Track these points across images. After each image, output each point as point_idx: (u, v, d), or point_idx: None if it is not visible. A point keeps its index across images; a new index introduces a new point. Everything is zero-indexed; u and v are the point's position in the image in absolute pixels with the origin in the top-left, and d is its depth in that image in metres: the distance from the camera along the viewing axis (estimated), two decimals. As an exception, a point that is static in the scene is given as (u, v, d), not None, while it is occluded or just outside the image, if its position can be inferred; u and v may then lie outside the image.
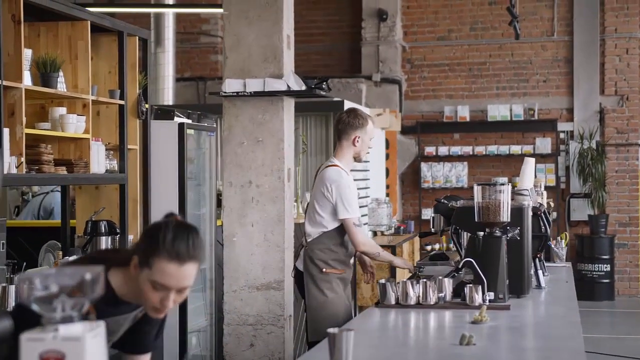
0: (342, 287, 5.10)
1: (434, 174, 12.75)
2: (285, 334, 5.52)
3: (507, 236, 4.42)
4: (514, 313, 4.08)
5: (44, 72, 4.76)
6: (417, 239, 10.86)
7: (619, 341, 9.63)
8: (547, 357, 3.24)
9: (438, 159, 12.80)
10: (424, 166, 12.77)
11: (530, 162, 5.55)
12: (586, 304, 11.87)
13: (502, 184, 4.39)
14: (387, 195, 11.99)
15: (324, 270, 5.02)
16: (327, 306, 5.01)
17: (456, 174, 12.68)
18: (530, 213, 4.68)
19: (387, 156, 12.26)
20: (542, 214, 5.04)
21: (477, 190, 4.38)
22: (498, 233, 4.37)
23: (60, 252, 5.40)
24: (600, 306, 11.85)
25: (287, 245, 5.52)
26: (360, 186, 9.82)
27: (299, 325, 7.11)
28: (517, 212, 4.51)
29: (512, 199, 4.99)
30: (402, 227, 10.43)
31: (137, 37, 5.83)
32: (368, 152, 5.25)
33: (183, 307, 6.20)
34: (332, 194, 4.96)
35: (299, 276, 5.18)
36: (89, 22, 5.13)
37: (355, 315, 5.65)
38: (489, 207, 4.34)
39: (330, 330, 2.73)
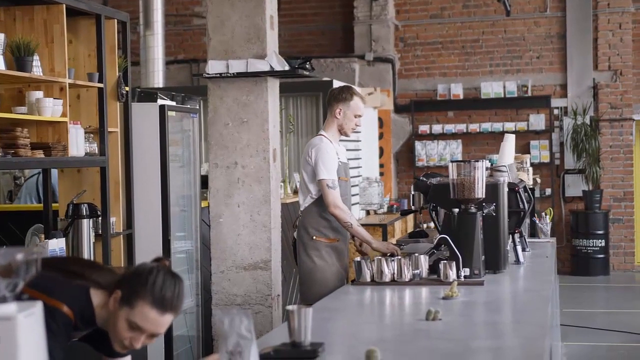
0: (334, 257, 5.22)
1: (428, 152, 12.76)
2: (273, 313, 5.55)
3: (483, 212, 4.44)
4: (488, 288, 4.10)
5: (18, 56, 4.75)
6: (410, 217, 10.88)
7: (614, 315, 9.65)
8: (508, 330, 3.26)
9: (432, 137, 12.79)
10: (418, 145, 12.78)
11: (510, 139, 5.55)
12: (581, 279, 11.91)
13: (477, 161, 4.40)
14: (382, 174, 12.02)
15: (314, 237, 5.17)
16: (315, 273, 5.16)
17: (450, 152, 12.68)
18: (506, 189, 4.68)
19: (381, 135, 12.27)
20: (521, 189, 5.05)
21: (451, 167, 4.40)
22: (473, 209, 4.39)
23: (43, 236, 5.42)
24: (596, 281, 11.88)
25: (274, 225, 5.55)
26: (352, 165, 9.83)
27: (287, 304, 7.15)
28: (493, 188, 4.52)
29: (490, 175, 5.01)
30: (395, 206, 10.44)
31: (115, 20, 5.82)
32: (355, 129, 5.36)
33: (167, 288, 6.23)
34: (312, 158, 5.15)
35: (295, 245, 5.35)
36: (64, 6, 5.12)
37: None
38: (463, 184, 4.36)
39: (289, 307, 2.75)
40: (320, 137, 5.27)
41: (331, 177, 5.11)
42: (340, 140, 5.49)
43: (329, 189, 5.09)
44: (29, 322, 1.72)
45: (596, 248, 12.12)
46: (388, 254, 4.94)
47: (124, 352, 2.71)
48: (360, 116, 5.32)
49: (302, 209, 5.28)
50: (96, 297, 2.67)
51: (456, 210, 4.38)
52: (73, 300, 2.62)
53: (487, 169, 4.91)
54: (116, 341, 2.64)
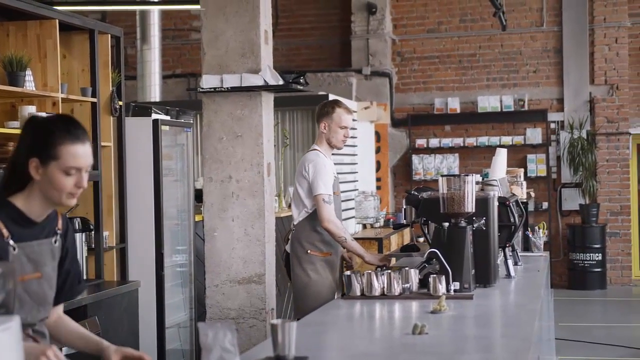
0: (328, 270, 5.30)
1: (426, 166, 12.77)
2: (267, 327, 5.55)
3: (473, 226, 4.45)
4: (477, 302, 4.10)
5: (11, 71, 4.79)
6: (407, 231, 10.88)
7: (610, 329, 9.64)
8: (493, 344, 3.27)
9: (429, 151, 12.82)
10: (415, 158, 12.79)
11: (501, 153, 5.56)
12: (578, 293, 11.90)
13: (467, 175, 4.41)
14: (379, 188, 12.03)
15: (308, 251, 5.26)
16: (310, 287, 5.24)
17: (447, 166, 12.70)
18: (497, 203, 4.69)
19: (379, 149, 12.30)
20: (512, 204, 5.05)
21: (441, 181, 4.41)
22: (463, 223, 4.39)
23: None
24: (592, 295, 11.87)
25: (268, 239, 5.56)
26: (348, 179, 9.86)
27: (282, 318, 7.15)
28: (483, 202, 4.53)
29: (481, 190, 5.03)
30: (391, 220, 10.45)
31: (109, 35, 5.85)
32: (344, 141, 5.41)
33: (160, 302, 6.24)
34: (309, 173, 5.22)
35: (288, 259, 5.41)
36: (57, 21, 5.16)
37: None
38: (453, 198, 4.37)
39: (273, 321, 2.76)
40: (316, 152, 5.33)
41: (328, 192, 5.19)
42: (333, 154, 5.54)
43: (324, 204, 5.15)
44: (5, 337, 1.74)
45: (593, 262, 12.12)
46: (382, 266, 4.98)
47: (73, 202, 2.74)
48: (345, 127, 5.38)
49: (295, 222, 5.35)
50: (18, 199, 2.71)
51: (446, 224, 4.39)
52: None
53: (477, 183, 4.93)
54: (63, 197, 2.70)
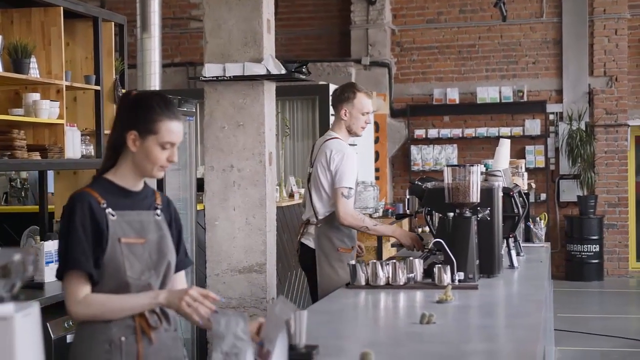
0: None
1: (424, 157, 12.78)
2: (268, 316, 5.56)
3: (477, 217, 4.45)
4: (482, 292, 4.12)
5: (15, 58, 4.78)
6: (406, 221, 10.89)
7: (607, 320, 9.68)
8: (501, 334, 3.28)
9: (428, 141, 12.82)
10: (413, 149, 12.80)
11: (505, 144, 5.57)
12: (575, 284, 11.94)
13: (472, 165, 4.42)
14: (377, 178, 12.04)
15: (339, 249, 5.07)
16: (338, 284, 4.96)
17: (446, 157, 12.72)
18: (501, 194, 4.69)
19: (377, 139, 12.29)
20: (516, 194, 5.06)
21: (446, 171, 4.41)
22: (468, 214, 4.39)
23: (38, 237, 5.43)
24: (590, 286, 11.92)
25: (269, 228, 5.56)
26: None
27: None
28: (487, 192, 4.53)
29: (485, 180, 5.03)
30: (390, 210, 10.45)
31: (112, 23, 5.84)
32: (365, 127, 5.19)
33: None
34: (334, 163, 4.97)
35: (303, 252, 5.20)
36: (61, 8, 5.14)
37: None
38: (458, 188, 4.37)
39: (284, 310, 2.76)
40: (339, 140, 5.08)
41: (348, 185, 4.95)
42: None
43: (342, 198, 4.91)
44: (26, 322, 1.74)
45: (590, 253, 12.15)
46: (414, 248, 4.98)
47: (161, 174, 2.90)
48: (367, 113, 5.13)
49: (320, 217, 5.08)
50: (111, 175, 2.88)
51: (451, 214, 4.39)
52: (91, 185, 2.87)
53: (482, 173, 4.93)
54: (155, 169, 2.86)
